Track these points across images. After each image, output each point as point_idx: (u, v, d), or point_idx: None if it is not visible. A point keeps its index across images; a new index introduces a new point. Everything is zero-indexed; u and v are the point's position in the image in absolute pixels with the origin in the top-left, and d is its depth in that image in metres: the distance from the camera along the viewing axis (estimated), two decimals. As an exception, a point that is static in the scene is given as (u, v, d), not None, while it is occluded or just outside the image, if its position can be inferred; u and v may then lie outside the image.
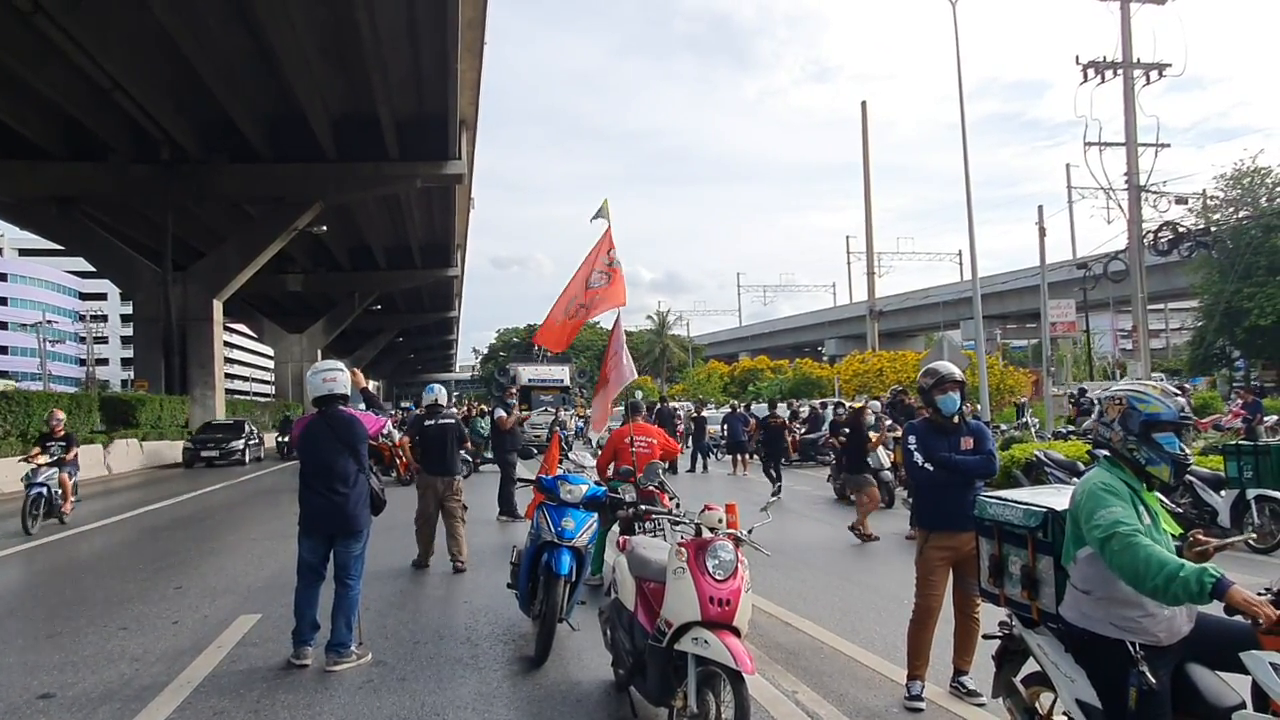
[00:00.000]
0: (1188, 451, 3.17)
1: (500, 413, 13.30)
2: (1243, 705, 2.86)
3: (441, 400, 9.24)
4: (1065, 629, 3.23)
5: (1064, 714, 3.34)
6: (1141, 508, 3.08)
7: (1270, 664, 2.68)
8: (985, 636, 3.90)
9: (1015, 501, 3.55)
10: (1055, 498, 3.56)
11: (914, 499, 6.26)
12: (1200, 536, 3.22)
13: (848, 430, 12.79)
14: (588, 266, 6.95)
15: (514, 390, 18.77)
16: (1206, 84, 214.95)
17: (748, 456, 20.83)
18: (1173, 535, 3.16)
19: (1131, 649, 2.96)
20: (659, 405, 24.92)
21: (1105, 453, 3.28)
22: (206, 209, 34.78)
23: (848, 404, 18.14)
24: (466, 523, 9.12)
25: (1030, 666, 3.58)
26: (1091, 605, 3.09)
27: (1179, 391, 3.27)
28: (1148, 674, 2.89)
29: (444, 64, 24.36)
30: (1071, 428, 18.58)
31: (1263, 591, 2.85)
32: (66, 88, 24.10)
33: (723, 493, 15.18)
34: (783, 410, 20.50)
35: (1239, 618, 2.75)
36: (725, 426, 22.00)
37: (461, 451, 9.30)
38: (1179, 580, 2.73)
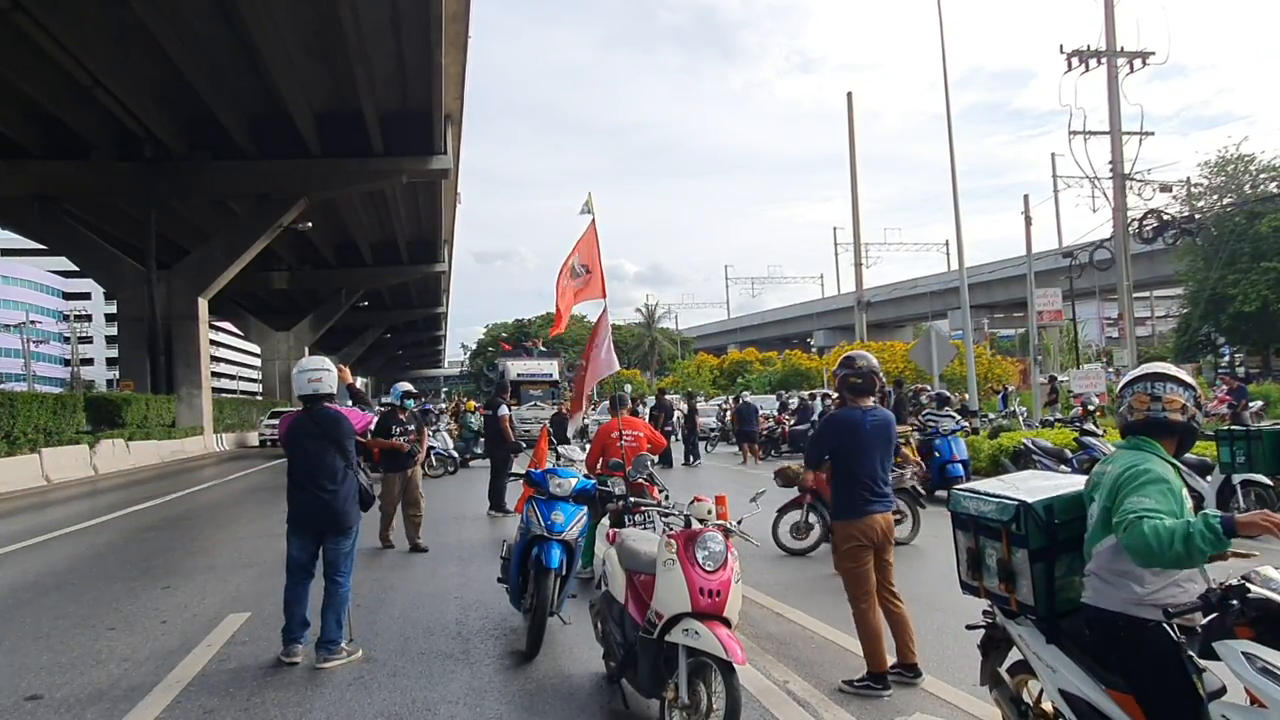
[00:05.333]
0: None
1: (504, 411, 13.30)
2: (1222, 691, 2.88)
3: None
4: (1098, 621, 3.11)
5: (1051, 702, 3.35)
6: (1186, 489, 3.10)
7: (1243, 653, 2.69)
8: (969, 627, 3.92)
9: (988, 495, 3.53)
10: (1030, 484, 3.57)
11: None
12: None
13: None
14: (570, 257, 7.00)
15: (509, 388, 18.81)
16: (1189, 71, 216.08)
17: (757, 446, 21.67)
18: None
19: (1172, 631, 2.91)
20: (658, 398, 25.07)
21: (1120, 437, 3.27)
22: (190, 206, 34.50)
23: (835, 395, 18.20)
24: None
25: (1016, 655, 3.60)
26: (1119, 579, 3.03)
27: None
28: (1195, 657, 2.87)
29: (428, 58, 24.22)
30: (1060, 417, 18.69)
31: (1215, 586, 2.87)
32: (46, 85, 23.83)
33: (715, 484, 15.21)
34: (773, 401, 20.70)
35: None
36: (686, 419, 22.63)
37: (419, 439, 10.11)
38: (1194, 536, 2.73)
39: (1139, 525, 2.85)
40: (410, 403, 10.15)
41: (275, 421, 33.06)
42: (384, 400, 10.44)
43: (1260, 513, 2.74)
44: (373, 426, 8.56)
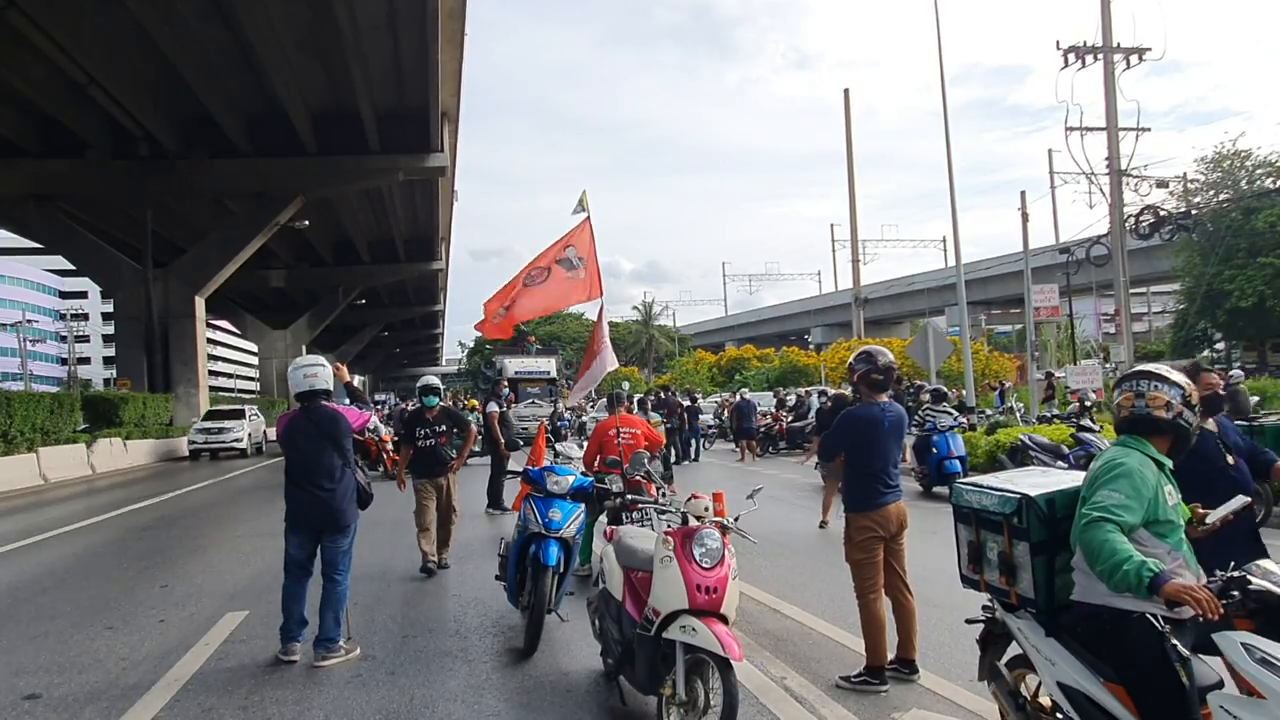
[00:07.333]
0: None
1: (493, 407, 13.27)
2: (1220, 684, 2.89)
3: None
4: (1086, 614, 3.15)
5: (1049, 696, 3.36)
6: (1170, 486, 3.14)
7: (1242, 644, 2.69)
8: (968, 621, 3.93)
9: (990, 488, 3.55)
10: (1031, 479, 3.58)
11: None
12: (1199, 511, 3.28)
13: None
14: (545, 258, 7.00)
15: (504, 383, 18.79)
16: (1186, 67, 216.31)
17: (755, 443, 21.84)
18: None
19: (1156, 622, 2.92)
20: (660, 395, 25.10)
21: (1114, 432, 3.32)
22: (187, 205, 34.48)
23: (830, 392, 18.24)
24: None
25: (1014, 650, 3.61)
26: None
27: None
28: (1180, 646, 2.88)
29: (424, 56, 24.20)
30: (1057, 412, 18.70)
31: (1214, 576, 2.86)
32: (42, 84, 23.81)
33: (712, 482, 15.20)
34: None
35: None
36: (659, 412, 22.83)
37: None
38: (1121, 571, 2.80)
39: (1094, 528, 2.94)
40: (432, 400, 8.66)
41: (209, 424, 27.72)
42: (378, 399, 10.01)
43: (1190, 587, 2.72)
44: (372, 426, 8.36)
